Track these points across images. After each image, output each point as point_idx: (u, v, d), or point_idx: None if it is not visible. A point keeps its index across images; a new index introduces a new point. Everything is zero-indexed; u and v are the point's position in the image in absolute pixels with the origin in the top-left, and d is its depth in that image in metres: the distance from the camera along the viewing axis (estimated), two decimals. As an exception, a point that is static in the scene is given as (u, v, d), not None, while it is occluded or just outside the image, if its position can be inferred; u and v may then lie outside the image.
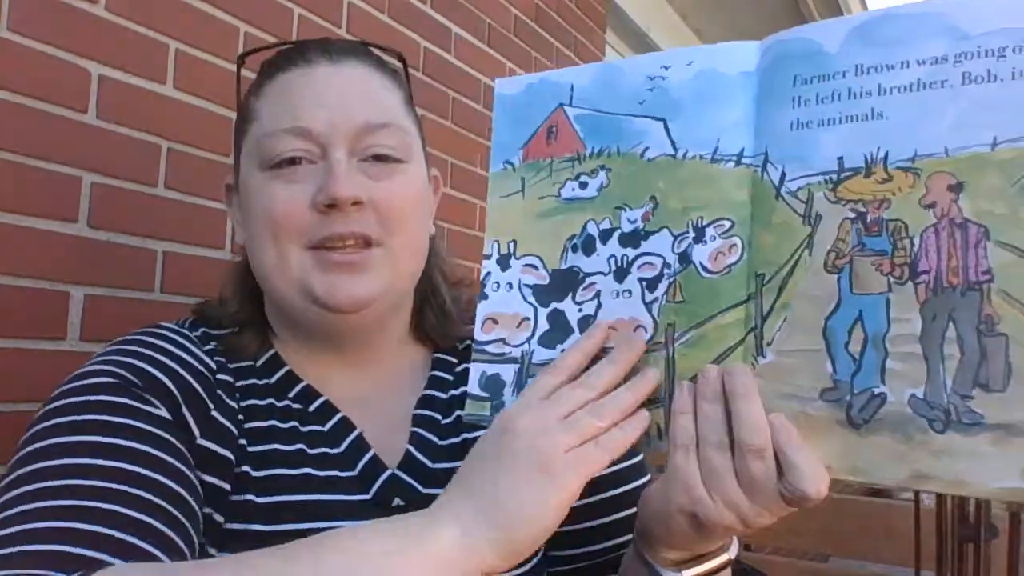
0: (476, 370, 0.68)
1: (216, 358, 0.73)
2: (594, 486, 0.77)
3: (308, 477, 0.70)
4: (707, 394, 0.57)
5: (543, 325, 0.66)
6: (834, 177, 0.55)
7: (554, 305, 0.66)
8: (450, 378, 0.81)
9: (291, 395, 0.74)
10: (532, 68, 2.08)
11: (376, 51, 0.79)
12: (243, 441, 0.70)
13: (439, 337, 0.82)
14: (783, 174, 0.57)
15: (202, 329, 0.76)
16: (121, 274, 1.04)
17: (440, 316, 0.82)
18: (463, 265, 0.91)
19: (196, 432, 0.67)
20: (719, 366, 0.58)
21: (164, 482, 0.60)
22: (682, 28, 3.46)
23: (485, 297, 0.68)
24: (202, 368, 0.71)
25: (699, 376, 0.59)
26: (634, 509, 0.76)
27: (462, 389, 0.79)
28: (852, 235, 0.54)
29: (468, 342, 0.82)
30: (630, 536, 0.75)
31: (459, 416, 0.78)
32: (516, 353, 0.67)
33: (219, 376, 0.72)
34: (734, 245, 0.59)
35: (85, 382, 0.65)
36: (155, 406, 0.65)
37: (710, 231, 0.60)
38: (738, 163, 0.59)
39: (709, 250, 0.60)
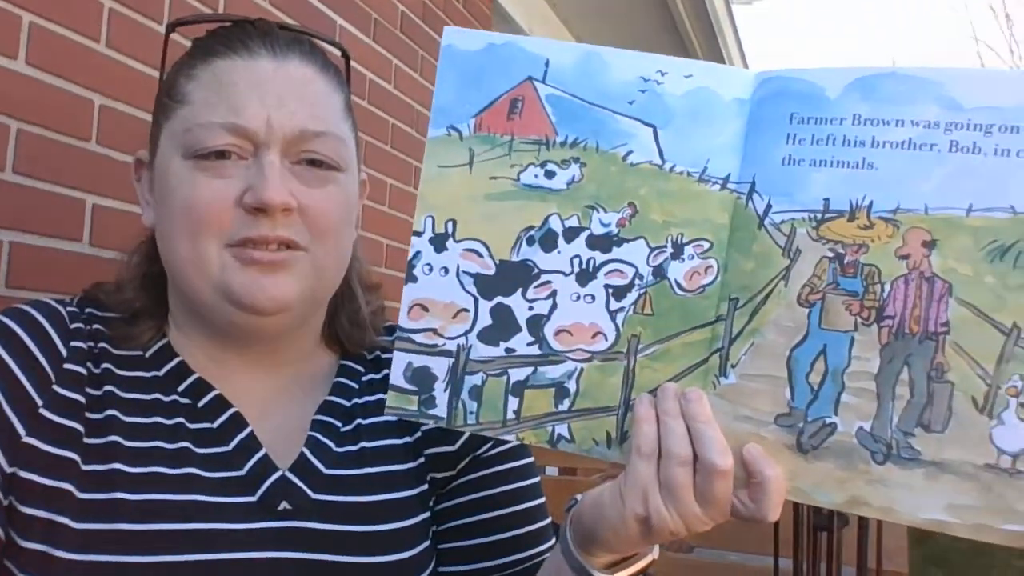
0: (401, 360, 0.62)
1: (100, 343, 0.70)
2: (485, 505, 0.77)
3: (190, 477, 0.66)
4: (670, 410, 0.58)
5: (485, 319, 0.62)
6: (818, 216, 0.58)
7: (499, 299, 0.62)
8: (355, 386, 0.78)
9: (180, 389, 0.71)
10: (419, 67, 2.02)
11: (319, 43, 0.75)
12: (116, 437, 0.66)
13: (350, 344, 0.79)
14: (769, 205, 0.59)
15: (89, 310, 0.72)
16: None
17: (354, 323, 0.79)
18: (375, 271, 0.88)
19: (21, 431, 0.63)
20: (676, 384, 0.60)
21: None
22: (564, 33, 3.51)
23: (413, 280, 0.62)
24: (44, 361, 0.65)
25: (659, 392, 0.59)
26: (527, 528, 0.78)
27: (365, 398, 0.77)
28: (828, 273, 0.57)
29: (377, 352, 0.81)
30: (521, 555, 0.76)
31: (359, 424, 0.75)
32: (451, 346, 0.62)
33: (67, 366, 0.67)
34: (710, 267, 0.60)
35: None
36: None
37: (689, 250, 0.60)
38: (723, 187, 0.60)
39: (686, 268, 0.60)
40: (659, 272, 0.61)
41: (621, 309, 0.61)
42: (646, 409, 0.58)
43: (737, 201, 0.60)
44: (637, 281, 0.61)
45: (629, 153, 0.61)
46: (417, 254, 0.62)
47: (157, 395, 0.70)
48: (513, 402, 0.61)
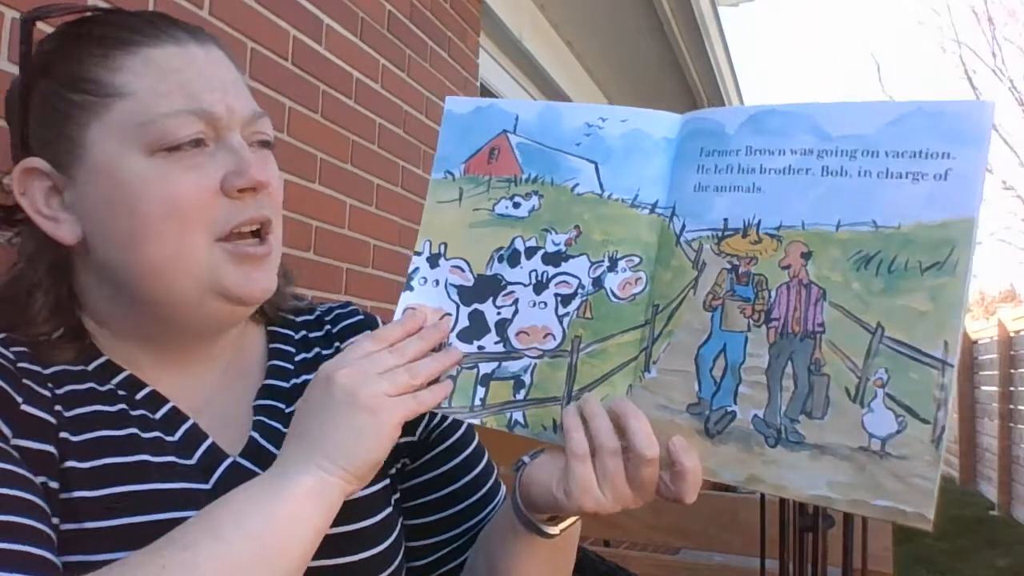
0: None
1: (13, 348, 0.66)
2: (436, 485, 0.84)
3: (144, 464, 0.65)
4: (595, 412, 0.67)
5: (463, 322, 0.76)
6: (719, 234, 0.68)
7: (475, 306, 0.76)
8: (290, 367, 0.79)
9: (114, 382, 0.69)
10: (406, 65, 1.99)
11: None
12: (65, 433, 0.64)
13: (270, 307, 0.80)
14: (683, 226, 0.70)
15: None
16: None
17: None
18: (364, 272, 0.90)
19: (8, 432, 0.60)
20: (607, 380, 0.70)
21: (28, 498, 0.58)
22: (553, 37, 3.49)
23: (410, 289, 0.77)
24: (1, 360, 0.64)
25: (582, 400, 0.69)
26: (478, 495, 0.86)
27: (303, 377, 0.79)
28: (727, 282, 0.67)
29: (304, 332, 0.84)
30: (476, 519, 0.85)
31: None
32: None
33: (21, 364, 0.65)
34: (640, 278, 0.72)
35: None
36: None
37: (622, 263, 0.73)
38: (652, 211, 0.72)
39: (620, 279, 0.73)
40: (598, 283, 0.73)
41: (567, 314, 0.74)
42: (571, 418, 0.67)
43: (663, 223, 0.71)
44: (580, 290, 0.74)
45: (576, 185, 0.75)
46: (416, 269, 0.79)
47: (91, 384, 0.67)
48: (480, 391, 0.75)
